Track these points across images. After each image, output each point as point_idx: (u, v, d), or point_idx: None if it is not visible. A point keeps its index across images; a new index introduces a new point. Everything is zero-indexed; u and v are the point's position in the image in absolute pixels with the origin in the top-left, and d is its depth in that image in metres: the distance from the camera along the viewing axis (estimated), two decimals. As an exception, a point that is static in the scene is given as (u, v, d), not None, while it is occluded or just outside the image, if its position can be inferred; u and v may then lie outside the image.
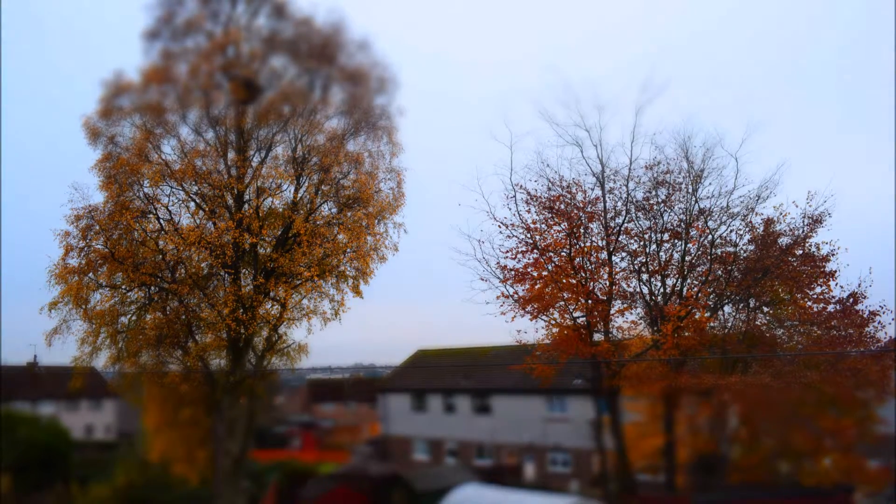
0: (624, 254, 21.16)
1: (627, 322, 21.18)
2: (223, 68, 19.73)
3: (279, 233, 20.29)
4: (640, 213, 21.11)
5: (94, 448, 30.77)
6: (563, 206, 20.91)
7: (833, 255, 19.90)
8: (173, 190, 19.85)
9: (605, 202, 21.09)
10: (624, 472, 20.74)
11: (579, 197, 21.08)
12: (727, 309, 21.18)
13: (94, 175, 19.57)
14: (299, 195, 20.33)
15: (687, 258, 20.83)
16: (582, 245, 20.87)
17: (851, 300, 19.70)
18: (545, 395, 29.67)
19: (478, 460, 31.85)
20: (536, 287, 20.56)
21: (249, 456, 21.40)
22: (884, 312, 19.39)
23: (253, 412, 21.59)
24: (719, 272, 20.68)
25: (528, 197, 21.13)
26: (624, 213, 21.03)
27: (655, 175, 20.93)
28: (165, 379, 20.36)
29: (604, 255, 20.91)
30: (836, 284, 19.86)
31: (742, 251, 20.76)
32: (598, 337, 20.79)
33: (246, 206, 19.94)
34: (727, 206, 20.68)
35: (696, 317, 20.06)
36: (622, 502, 20.49)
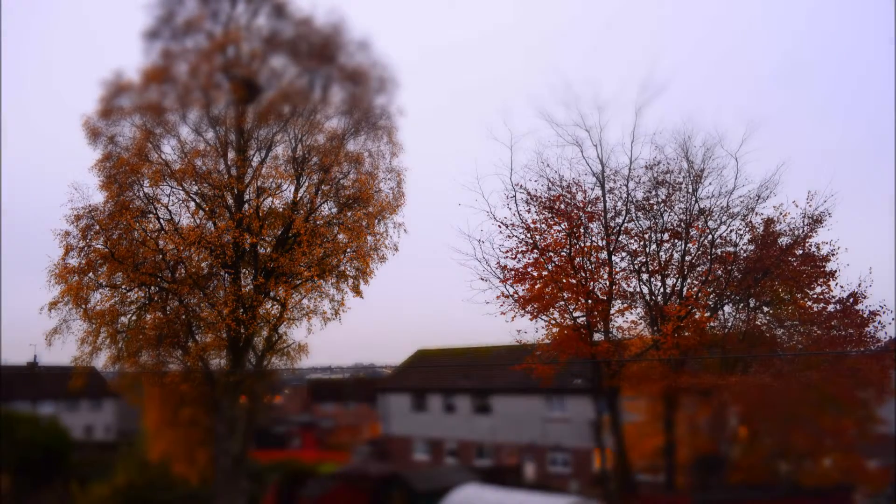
0: (624, 254, 21.15)
1: (627, 322, 21.20)
2: (223, 68, 19.71)
3: (279, 233, 20.27)
4: (640, 213, 21.09)
5: (94, 448, 30.78)
6: (563, 206, 20.89)
7: (833, 255, 19.87)
8: (173, 190, 19.83)
9: (605, 202, 21.08)
10: (624, 472, 20.73)
11: (579, 197, 21.06)
12: (727, 309, 21.17)
13: (94, 175, 19.55)
14: (299, 195, 20.31)
15: (687, 258, 20.81)
16: (582, 245, 20.85)
17: (851, 300, 19.67)
18: (545, 394, 29.70)
19: (478, 460, 31.87)
20: (536, 287, 20.52)
21: (249, 456, 21.38)
22: (884, 312, 19.35)
23: (253, 412, 21.58)
24: (719, 272, 20.66)
25: (528, 197, 21.11)
26: (624, 212, 21.01)
27: (655, 175, 20.92)
28: (165, 379, 20.32)
29: (604, 254, 20.88)
30: (837, 284, 19.83)
31: (742, 251, 20.75)
32: (598, 337, 20.77)
33: (246, 205, 19.93)
34: (727, 205, 20.67)
35: (696, 317, 20.05)
36: (622, 502, 20.48)
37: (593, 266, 20.92)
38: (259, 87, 19.94)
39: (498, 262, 20.93)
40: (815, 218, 20.07)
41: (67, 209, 19.34)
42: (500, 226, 20.97)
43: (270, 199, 20.19)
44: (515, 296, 20.62)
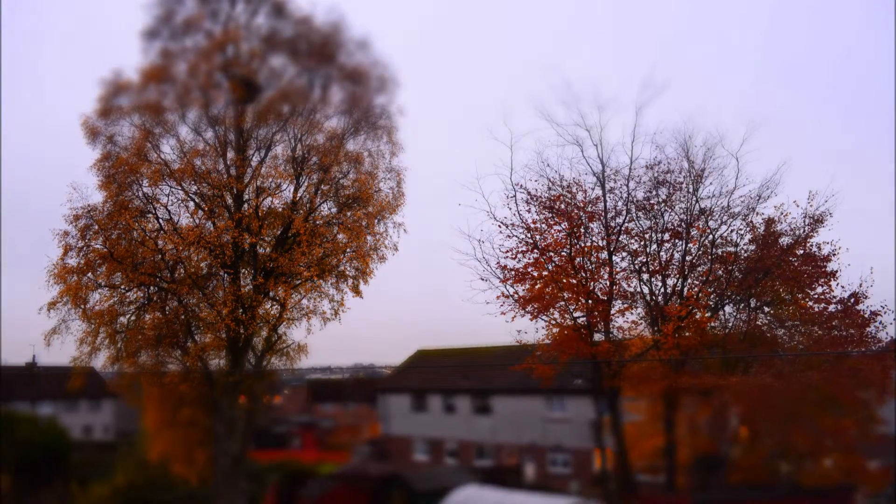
0: (624, 254, 21.09)
1: (628, 322, 21.13)
2: (222, 67, 19.68)
3: (279, 232, 20.24)
4: (640, 213, 21.04)
5: (93, 448, 30.78)
6: (563, 206, 20.85)
7: (834, 255, 19.82)
8: (172, 189, 19.78)
9: (605, 202, 21.03)
10: (624, 472, 20.71)
11: (580, 197, 21.02)
12: (728, 309, 21.12)
13: (93, 175, 19.51)
14: (299, 195, 20.28)
15: (687, 258, 20.77)
16: (582, 245, 20.81)
17: (852, 300, 19.63)
18: (545, 395, 29.69)
19: (478, 461, 31.86)
20: (536, 287, 20.49)
21: (249, 456, 21.36)
22: (885, 312, 19.30)
23: (253, 412, 21.56)
24: (720, 272, 20.63)
25: (529, 197, 21.06)
26: (624, 212, 20.96)
27: (656, 175, 20.88)
28: (164, 379, 20.31)
29: (604, 254, 20.84)
30: (837, 284, 19.78)
31: (743, 251, 20.70)
32: (598, 337, 20.73)
33: (245, 205, 19.89)
34: (728, 205, 20.61)
35: (697, 317, 20.01)
36: (622, 502, 20.46)
37: (593, 266, 20.89)
38: (258, 87, 19.92)
39: (498, 262, 20.90)
40: (815, 218, 20.03)
41: (66, 209, 19.33)
42: (500, 226, 20.94)
43: (270, 198, 20.16)
44: (515, 296, 20.59)
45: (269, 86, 20.08)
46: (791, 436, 19.52)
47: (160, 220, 19.81)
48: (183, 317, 20.14)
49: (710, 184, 20.70)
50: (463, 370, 33.12)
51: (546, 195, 21.03)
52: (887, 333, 19.37)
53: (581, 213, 20.84)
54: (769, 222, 20.55)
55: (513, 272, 20.70)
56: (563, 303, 20.47)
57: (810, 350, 19.39)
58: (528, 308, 20.42)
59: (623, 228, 20.94)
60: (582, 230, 20.84)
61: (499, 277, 20.79)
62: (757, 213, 20.63)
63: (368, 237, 20.67)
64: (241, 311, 19.22)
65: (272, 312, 19.96)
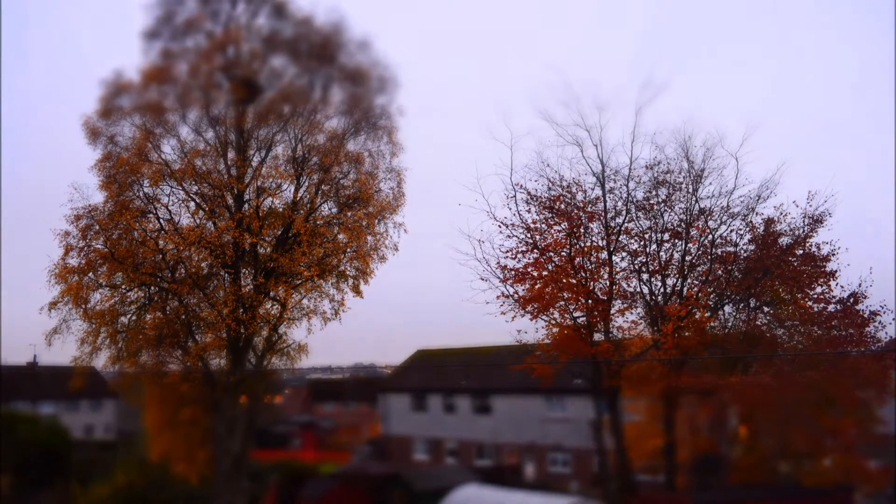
0: (624, 254, 21.09)
1: (627, 322, 21.15)
2: (223, 68, 19.71)
3: (279, 232, 20.27)
4: (640, 213, 21.04)
5: (94, 448, 30.85)
6: (563, 206, 20.86)
7: (833, 255, 19.84)
8: (173, 190, 19.82)
9: (605, 202, 21.04)
10: (624, 472, 20.73)
11: (579, 197, 21.03)
12: (727, 309, 21.16)
13: (94, 175, 19.54)
14: (299, 195, 20.32)
15: (687, 258, 20.79)
16: (582, 245, 20.82)
17: (852, 300, 19.65)
18: (545, 395, 29.75)
19: (478, 460, 31.92)
20: (536, 287, 20.49)
21: (249, 456, 21.39)
22: (884, 312, 19.32)
23: (253, 412, 21.59)
24: (720, 272, 20.64)
25: (529, 197, 21.05)
26: (624, 212, 20.97)
27: (656, 175, 20.88)
28: (165, 379, 20.35)
29: (604, 254, 20.84)
30: (837, 284, 19.79)
31: (742, 251, 20.72)
32: (598, 337, 20.73)
33: (246, 205, 19.93)
34: (727, 205, 20.62)
35: (697, 317, 20.03)
36: (622, 502, 20.48)
37: (593, 266, 20.90)
38: (259, 87, 19.94)
39: (498, 262, 20.89)
40: (815, 218, 20.04)
41: (67, 209, 19.37)
42: (500, 226, 20.93)
43: (270, 198, 20.21)
44: (515, 296, 20.58)
45: (270, 86, 20.11)
46: (791, 436, 19.53)
47: (161, 221, 19.85)
48: (184, 317, 20.18)
49: (710, 184, 20.73)
50: (463, 370, 33.18)
51: (546, 195, 21.04)
52: (886, 333, 19.41)
53: (581, 214, 20.84)
54: (769, 222, 20.56)
55: (513, 272, 20.70)
56: (562, 303, 20.47)
57: (810, 350, 19.41)
58: (528, 308, 20.42)
59: (623, 228, 20.95)
60: (582, 230, 20.84)
61: (499, 277, 20.81)
62: (756, 213, 20.66)
63: (369, 237, 20.71)
64: (241, 310, 19.26)
65: (273, 312, 20.00)
